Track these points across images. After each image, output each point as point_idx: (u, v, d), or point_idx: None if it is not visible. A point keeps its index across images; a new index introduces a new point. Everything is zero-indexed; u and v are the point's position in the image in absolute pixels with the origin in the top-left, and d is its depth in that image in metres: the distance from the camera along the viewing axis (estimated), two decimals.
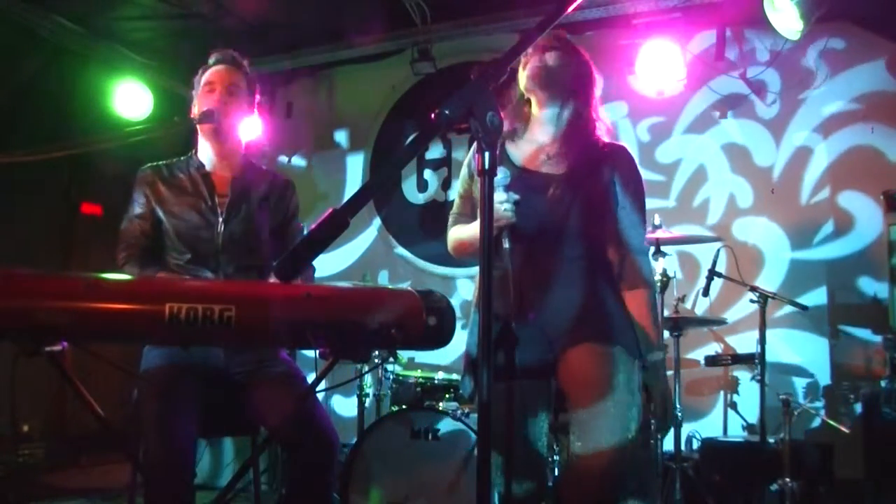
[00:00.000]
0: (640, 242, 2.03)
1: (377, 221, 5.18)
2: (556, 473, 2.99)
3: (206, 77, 2.32)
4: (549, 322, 1.93)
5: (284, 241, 2.37)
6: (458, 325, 1.45)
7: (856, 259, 3.94)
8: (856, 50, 4.03)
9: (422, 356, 4.15)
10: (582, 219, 1.97)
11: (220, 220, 2.27)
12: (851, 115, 4.03)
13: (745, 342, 3.96)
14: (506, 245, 1.83)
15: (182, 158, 2.37)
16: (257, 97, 2.43)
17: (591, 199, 1.98)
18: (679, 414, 3.38)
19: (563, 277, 1.94)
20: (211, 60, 2.34)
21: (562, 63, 2.02)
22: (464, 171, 2.18)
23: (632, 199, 2.02)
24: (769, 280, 4.04)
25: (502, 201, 1.83)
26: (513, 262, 1.82)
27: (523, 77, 2.04)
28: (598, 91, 2.09)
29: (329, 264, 5.12)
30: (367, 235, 5.19)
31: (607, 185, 2.00)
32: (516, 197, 1.85)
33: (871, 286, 3.86)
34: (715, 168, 4.33)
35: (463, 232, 2.12)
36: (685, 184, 4.39)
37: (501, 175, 1.84)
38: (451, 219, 2.19)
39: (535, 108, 2.09)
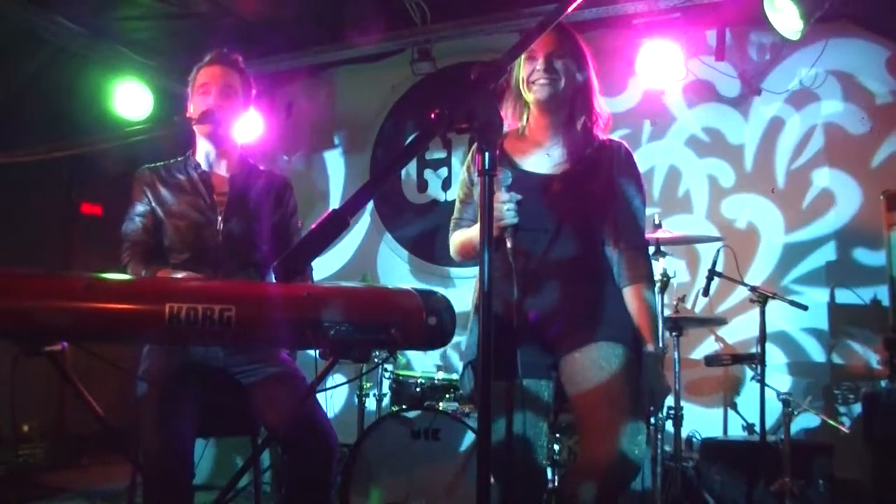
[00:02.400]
0: (640, 237, 2.04)
1: (376, 221, 5.17)
2: (556, 473, 2.99)
3: (200, 77, 2.31)
4: (550, 322, 1.93)
5: (283, 239, 2.37)
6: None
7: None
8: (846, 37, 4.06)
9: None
10: (583, 219, 1.97)
11: (220, 217, 2.27)
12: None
13: (742, 332, 3.97)
14: (509, 245, 1.83)
15: (179, 159, 2.37)
16: (253, 94, 2.41)
17: (591, 198, 1.98)
18: (681, 414, 3.38)
19: (564, 277, 1.95)
20: (205, 59, 2.33)
21: (569, 76, 1.99)
22: (463, 174, 2.17)
23: (632, 195, 2.02)
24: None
25: (505, 202, 1.83)
26: (515, 262, 1.82)
27: (529, 95, 2.01)
28: (597, 87, 2.08)
29: (327, 264, 5.12)
30: (366, 236, 5.19)
31: (607, 182, 2.00)
32: (519, 197, 1.85)
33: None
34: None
35: (465, 235, 2.11)
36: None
37: (503, 176, 1.84)
38: (452, 224, 2.18)
39: (535, 112, 2.06)
